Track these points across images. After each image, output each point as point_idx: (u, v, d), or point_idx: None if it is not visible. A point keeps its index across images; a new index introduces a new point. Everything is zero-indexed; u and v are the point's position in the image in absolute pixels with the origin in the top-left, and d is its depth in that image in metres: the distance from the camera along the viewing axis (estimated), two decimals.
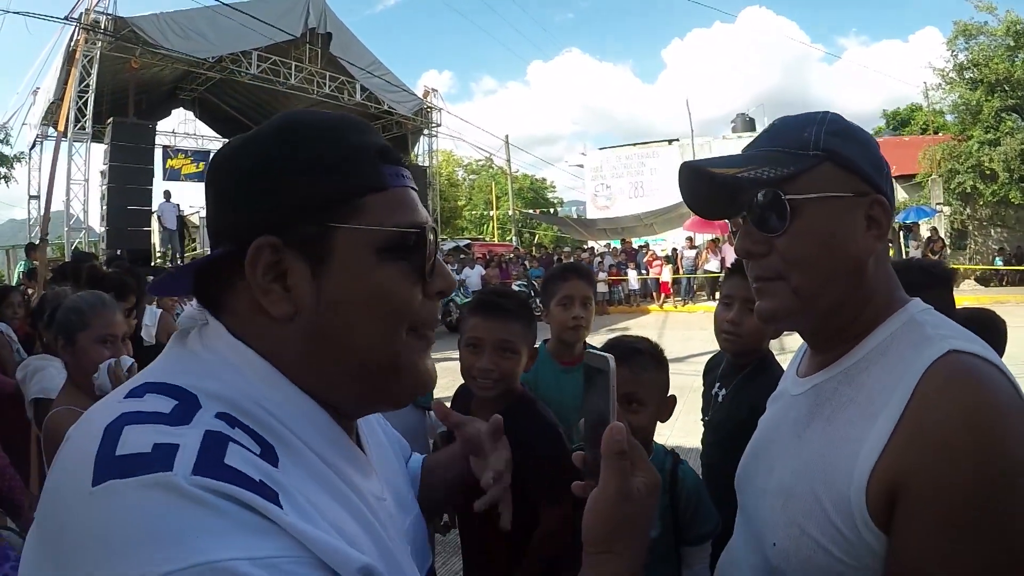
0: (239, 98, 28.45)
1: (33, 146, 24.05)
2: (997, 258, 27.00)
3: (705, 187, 1.34)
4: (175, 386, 0.83)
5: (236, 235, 0.91)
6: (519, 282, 21.67)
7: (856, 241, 1.22)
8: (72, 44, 19.88)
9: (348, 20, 26.43)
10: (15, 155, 23.74)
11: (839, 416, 1.19)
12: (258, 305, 0.90)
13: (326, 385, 0.94)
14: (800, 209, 1.20)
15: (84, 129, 19.87)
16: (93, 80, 19.52)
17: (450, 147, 49.99)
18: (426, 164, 30.81)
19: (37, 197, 23.39)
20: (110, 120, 20.64)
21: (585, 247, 32.63)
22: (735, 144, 34.58)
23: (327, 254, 0.91)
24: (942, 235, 26.06)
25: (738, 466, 1.49)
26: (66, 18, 19.50)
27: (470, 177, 60.82)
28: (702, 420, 2.86)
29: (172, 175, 26.37)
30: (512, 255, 28.46)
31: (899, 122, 47.92)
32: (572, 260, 20.67)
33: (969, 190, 26.43)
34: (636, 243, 29.24)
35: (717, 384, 2.78)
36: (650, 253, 26.00)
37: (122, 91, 22.36)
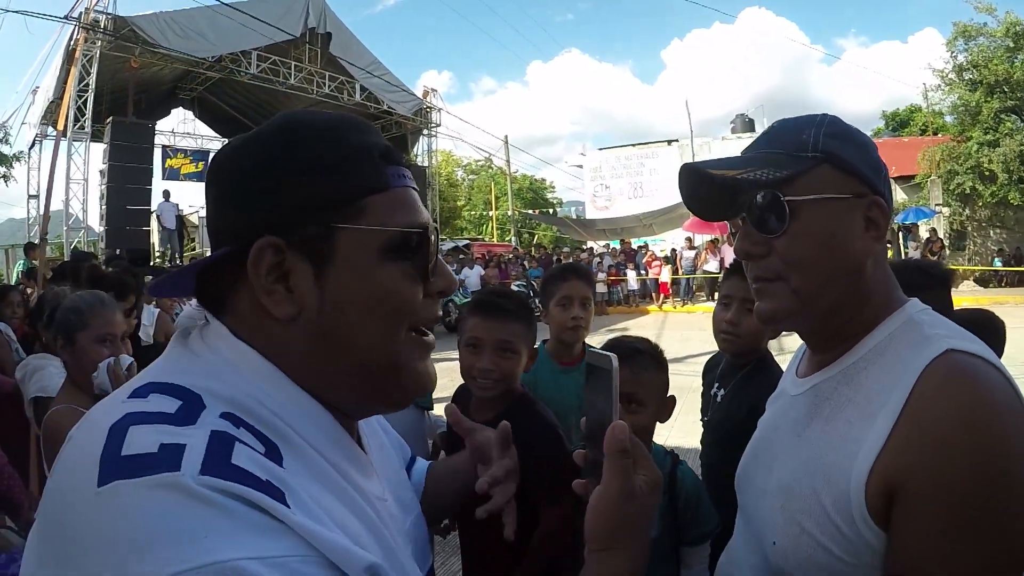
0: (239, 98, 28.43)
1: (32, 145, 24.03)
2: (996, 259, 27.03)
3: (705, 188, 1.35)
4: (179, 386, 0.83)
5: (238, 235, 0.91)
6: (518, 282, 21.66)
7: (854, 242, 1.22)
8: (72, 43, 19.85)
9: (348, 20, 26.48)
10: (14, 154, 23.72)
11: (838, 416, 1.20)
12: (260, 305, 0.90)
13: (327, 385, 0.94)
14: (799, 210, 1.21)
15: (83, 128, 19.86)
16: (92, 79, 19.50)
17: (449, 147, 50.12)
18: (425, 164, 30.78)
19: (36, 196, 23.37)
20: (109, 119, 20.63)
21: (584, 247, 32.63)
22: (735, 145, 34.56)
23: (330, 254, 0.91)
24: (941, 236, 26.10)
25: (738, 466, 1.49)
26: (66, 17, 19.50)
27: (469, 177, 60.79)
28: (701, 420, 2.86)
29: (171, 175, 26.34)
30: (511, 255, 28.44)
31: (898, 123, 47.95)
32: (571, 260, 20.69)
33: (968, 191, 26.45)
34: (635, 243, 29.24)
35: (716, 384, 2.78)
36: (649, 254, 26.00)
37: (121, 90, 22.36)
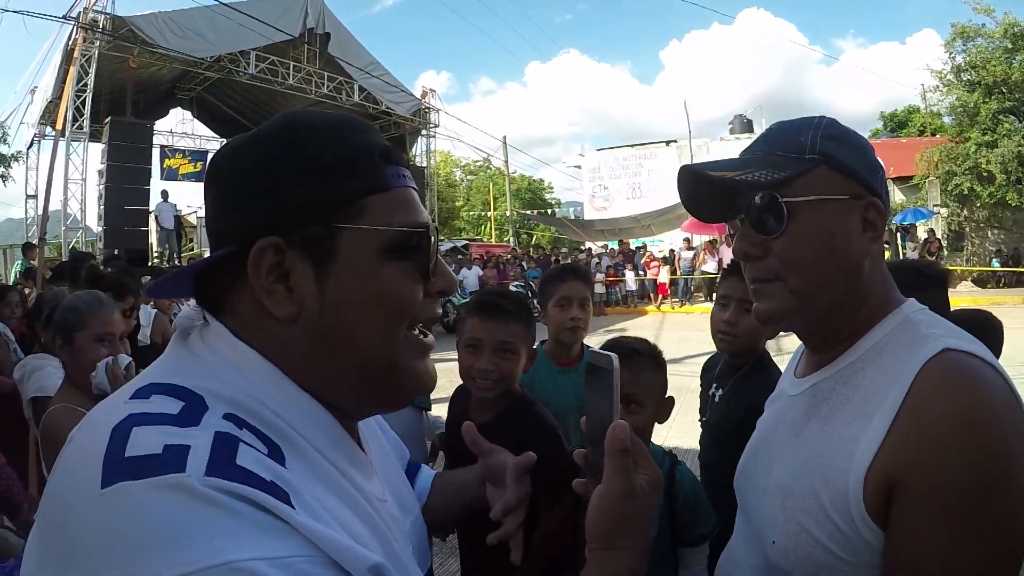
0: (237, 98, 28.43)
1: (31, 145, 24.00)
2: (994, 260, 27.06)
3: (704, 190, 1.35)
4: (181, 387, 0.83)
5: (237, 236, 0.91)
6: (516, 283, 21.66)
7: (852, 243, 1.23)
8: (70, 43, 19.84)
9: (346, 20, 26.50)
10: (12, 154, 23.70)
11: (836, 416, 1.21)
12: (260, 306, 0.90)
13: (327, 385, 0.94)
14: (797, 212, 1.22)
15: (82, 128, 19.86)
16: (91, 79, 19.50)
17: (448, 148, 50.13)
18: (424, 165, 30.78)
19: (34, 196, 23.34)
20: (108, 119, 20.64)
21: (582, 248, 32.64)
22: (733, 145, 34.56)
23: (331, 255, 0.91)
24: (939, 237, 26.10)
25: (737, 466, 1.50)
26: (64, 17, 19.50)
27: (468, 178, 60.83)
28: (700, 421, 2.87)
29: (169, 175, 26.30)
30: (510, 256, 28.43)
31: (897, 124, 47.95)
32: (569, 261, 20.69)
33: (966, 192, 26.48)
34: (633, 244, 29.23)
35: (714, 384, 2.79)
36: (647, 254, 25.99)
37: (120, 90, 22.37)
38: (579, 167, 43.11)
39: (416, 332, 0.99)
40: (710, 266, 23.15)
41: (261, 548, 0.67)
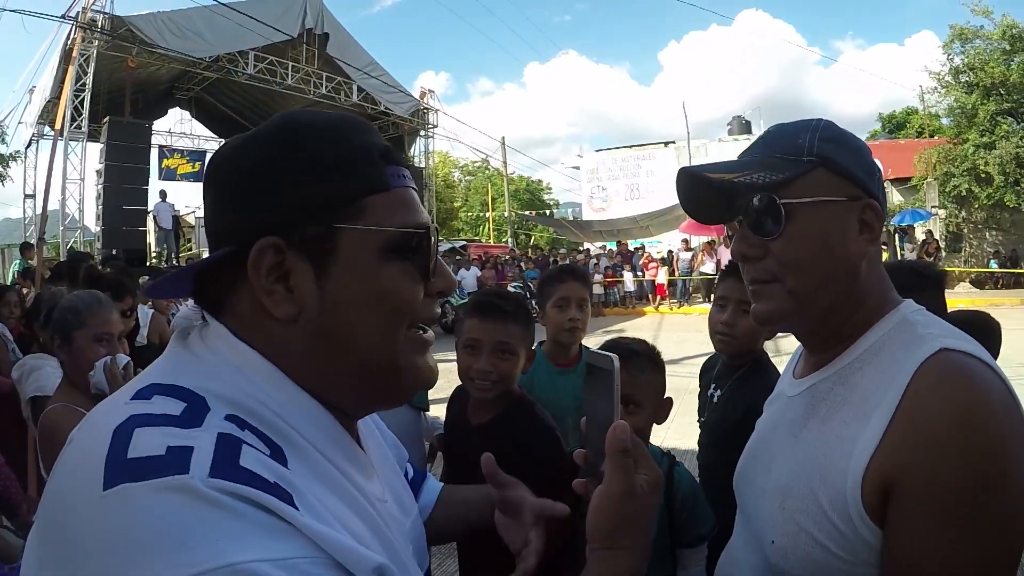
0: (236, 98, 28.41)
1: (29, 145, 23.99)
2: (992, 261, 27.09)
3: (702, 192, 1.36)
4: (182, 388, 0.83)
5: (237, 236, 0.91)
6: (515, 284, 21.67)
7: (849, 244, 1.24)
8: (69, 43, 19.82)
9: (345, 21, 26.53)
10: (11, 154, 23.70)
11: (834, 416, 1.21)
12: (260, 306, 0.90)
13: (327, 385, 0.94)
14: (794, 213, 1.22)
15: (80, 128, 19.84)
16: (90, 79, 19.48)
17: (446, 148, 50.07)
18: (422, 165, 30.77)
19: (33, 196, 23.32)
20: (106, 119, 20.63)
21: (581, 249, 32.63)
22: (731, 146, 34.59)
23: (331, 255, 0.91)
24: (937, 238, 26.13)
25: (736, 467, 1.50)
26: (63, 17, 19.48)
27: (466, 178, 60.86)
28: (698, 421, 2.87)
29: (168, 175, 26.30)
30: (508, 257, 28.47)
31: (895, 125, 47.98)
32: (568, 262, 20.70)
33: (964, 193, 26.49)
34: (632, 245, 29.22)
35: (713, 385, 2.79)
36: (646, 255, 26.00)
37: (118, 90, 22.35)
38: (577, 168, 43.10)
39: (416, 330, 0.99)
40: (708, 267, 23.15)
41: (265, 550, 0.67)
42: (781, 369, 1.67)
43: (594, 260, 26.64)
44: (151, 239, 23.31)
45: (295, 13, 23.48)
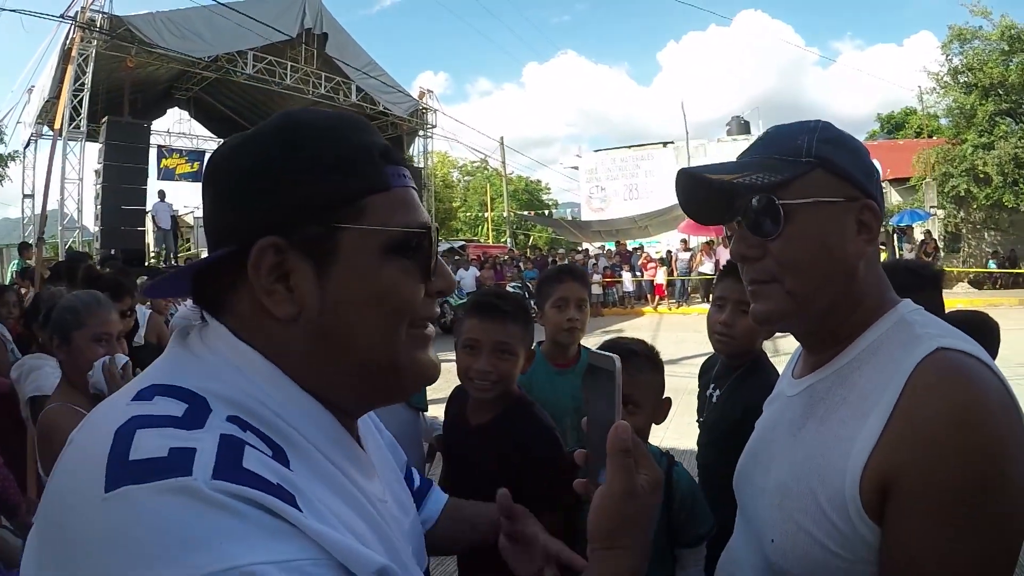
0: (234, 98, 28.39)
1: (27, 145, 23.98)
2: (990, 261, 27.08)
3: (702, 193, 1.36)
4: (183, 388, 0.82)
5: (236, 235, 0.90)
6: (513, 284, 21.68)
7: (847, 245, 1.24)
8: (68, 42, 19.81)
9: (344, 20, 26.54)
10: (9, 153, 23.69)
11: (832, 416, 1.22)
12: (260, 306, 0.90)
13: (327, 384, 0.94)
14: (793, 214, 1.23)
15: (79, 128, 19.83)
16: (88, 79, 19.49)
17: (445, 148, 50.02)
18: (421, 165, 30.77)
19: (31, 196, 23.33)
20: (105, 119, 20.63)
21: (579, 249, 32.61)
22: (730, 147, 34.61)
23: (332, 254, 0.90)
24: (936, 238, 26.15)
25: (736, 467, 1.51)
26: (62, 16, 19.46)
27: (465, 179, 60.88)
28: (697, 421, 2.87)
29: (166, 175, 26.31)
30: (507, 257, 28.48)
31: (893, 125, 48.03)
32: (567, 262, 20.69)
33: (963, 193, 26.47)
34: (630, 245, 29.19)
35: (712, 385, 2.79)
36: (644, 255, 26.01)
37: (117, 90, 22.33)
38: (576, 168, 43.11)
39: (416, 328, 0.99)
40: (707, 267, 23.19)
41: (268, 551, 0.67)
42: (780, 369, 1.67)
43: (593, 260, 26.64)
44: (150, 239, 23.30)
45: (294, 13, 23.48)
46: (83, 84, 19.48)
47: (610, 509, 0.99)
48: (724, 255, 20.57)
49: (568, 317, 3.03)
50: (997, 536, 1.01)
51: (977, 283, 26.39)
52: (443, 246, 27.59)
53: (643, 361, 2.18)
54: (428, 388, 1.18)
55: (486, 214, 50.61)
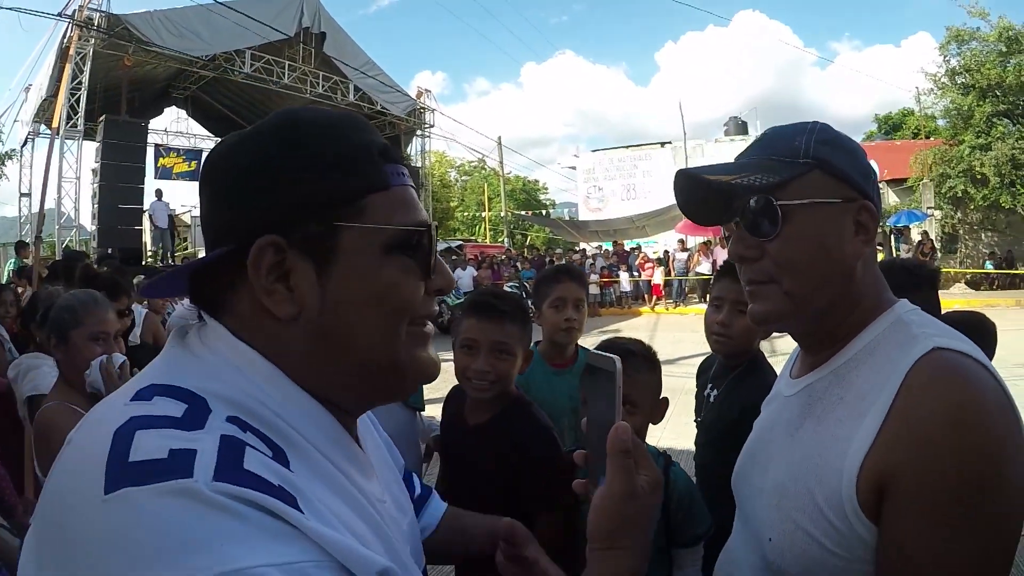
0: (232, 97, 28.35)
1: (25, 143, 23.93)
2: (987, 262, 27.09)
3: (700, 193, 1.37)
4: (183, 389, 0.82)
5: (234, 234, 0.90)
6: (511, 283, 21.68)
7: (845, 245, 1.25)
8: (65, 41, 19.78)
9: (342, 20, 26.55)
10: (6, 152, 23.63)
11: (830, 415, 1.22)
12: (260, 305, 0.89)
13: (327, 384, 0.93)
14: (791, 215, 1.23)
15: (76, 127, 19.79)
16: (86, 77, 19.47)
17: (443, 148, 49.98)
18: (419, 165, 30.75)
19: (29, 195, 23.29)
20: (102, 118, 20.59)
21: (577, 249, 32.59)
22: (728, 147, 34.64)
23: (332, 253, 0.90)
24: (932, 239, 26.17)
25: (734, 467, 1.51)
26: (59, 15, 19.41)
27: (462, 178, 60.79)
28: (695, 421, 2.87)
29: (164, 174, 26.23)
30: (504, 256, 28.44)
31: (891, 126, 48.09)
32: (564, 262, 20.69)
33: (960, 194, 26.48)
34: (628, 245, 29.17)
35: (709, 385, 2.79)
36: (642, 255, 26.05)
37: (115, 89, 22.29)
38: (574, 168, 43.04)
39: (416, 326, 0.99)
40: (704, 267, 23.22)
41: (270, 554, 0.66)
42: (778, 369, 1.67)
43: (590, 260, 26.63)
44: (147, 238, 23.33)
45: (292, 12, 23.48)
46: (80, 83, 19.45)
47: (610, 510, 0.99)
48: (721, 255, 20.58)
49: (566, 317, 3.03)
50: (993, 536, 1.01)
51: (974, 284, 26.40)
52: (440, 246, 27.40)
53: (640, 361, 2.18)
54: (425, 387, 1.18)
55: (483, 214, 50.54)
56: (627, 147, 40.91)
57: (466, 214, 56.12)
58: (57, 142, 18.75)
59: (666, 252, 26.58)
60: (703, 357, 3.07)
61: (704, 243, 24.93)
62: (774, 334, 1.61)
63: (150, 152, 24.52)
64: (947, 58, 27.34)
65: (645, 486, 1.00)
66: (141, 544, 0.64)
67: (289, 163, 0.91)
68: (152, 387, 0.83)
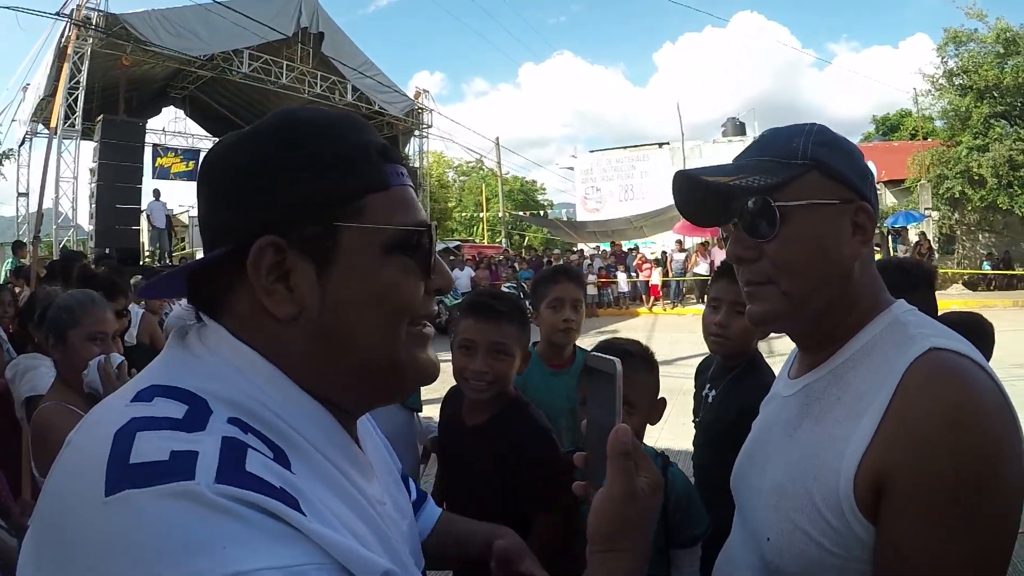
0: (230, 97, 28.34)
1: (22, 143, 23.90)
2: (985, 263, 27.12)
3: (698, 195, 1.37)
4: (184, 390, 0.82)
5: (231, 234, 0.90)
6: (508, 284, 21.66)
7: (842, 246, 1.25)
8: (63, 40, 19.77)
9: (340, 20, 26.59)
10: (4, 152, 23.61)
11: (827, 415, 1.22)
12: (260, 306, 0.89)
13: (328, 384, 0.93)
14: (789, 216, 1.23)
15: (73, 126, 19.77)
16: (84, 77, 19.46)
17: (441, 148, 50.03)
18: (416, 165, 30.73)
19: (26, 195, 23.27)
20: (100, 117, 20.55)
21: (574, 249, 32.60)
22: (725, 148, 34.69)
23: (332, 254, 0.90)
24: (930, 240, 26.19)
25: (733, 467, 1.51)
26: (57, 14, 19.39)
27: (460, 179, 60.83)
28: (693, 422, 2.87)
29: (161, 174, 26.19)
30: (502, 257, 28.45)
31: (889, 127, 48.06)
32: (562, 262, 20.68)
33: (957, 195, 26.53)
34: (626, 246, 29.20)
35: (707, 386, 2.79)
36: (639, 256, 26.04)
37: (112, 88, 22.25)
38: (572, 168, 43.09)
39: (416, 326, 0.99)
40: (702, 268, 23.20)
41: (273, 556, 0.66)
42: (776, 370, 1.67)
43: (588, 261, 26.61)
44: (144, 238, 23.28)
45: (290, 12, 23.48)
46: (78, 82, 19.44)
47: (610, 512, 0.99)
48: (719, 256, 20.60)
49: (564, 318, 3.03)
50: (990, 537, 1.02)
51: (971, 285, 26.43)
52: (438, 246, 27.58)
53: (638, 362, 2.18)
54: (423, 388, 1.18)
55: (481, 214, 50.57)
56: (625, 148, 40.95)
57: (464, 214, 56.12)
58: (55, 142, 18.71)
59: (664, 253, 26.57)
60: (701, 358, 3.07)
61: (702, 244, 24.92)
62: (772, 335, 1.62)
63: (148, 152, 24.47)
64: (945, 59, 27.44)
65: (645, 488, 1.00)
66: (143, 546, 0.64)
67: (287, 163, 0.90)
68: (152, 388, 0.82)
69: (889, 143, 37.89)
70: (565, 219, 45.86)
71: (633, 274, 25.10)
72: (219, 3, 20.40)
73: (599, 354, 1.08)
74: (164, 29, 20.48)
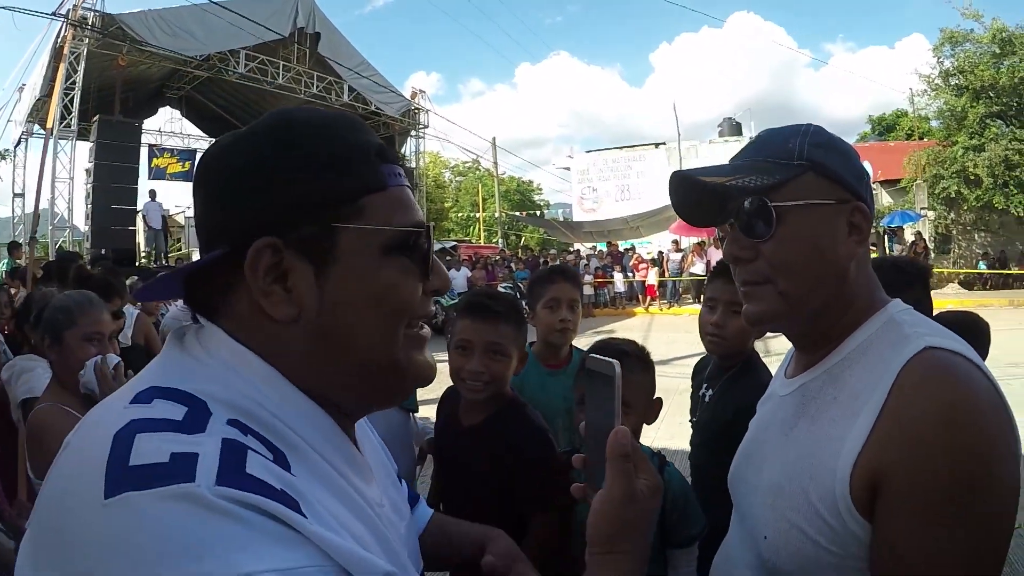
0: (226, 97, 28.32)
1: (18, 143, 23.85)
2: (980, 262, 27.19)
3: (695, 195, 1.37)
4: (183, 391, 0.81)
5: (228, 235, 0.89)
6: (505, 284, 21.65)
7: (838, 246, 1.26)
8: (59, 40, 19.74)
9: (337, 20, 26.49)
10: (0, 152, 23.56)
11: (823, 415, 1.23)
12: (258, 307, 0.89)
13: (327, 385, 0.93)
14: (785, 216, 1.24)
15: (69, 126, 19.74)
16: (80, 77, 19.42)
17: (437, 149, 50.00)
18: (413, 165, 30.68)
19: (22, 195, 23.22)
20: (96, 118, 20.52)
21: (571, 249, 32.59)
22: (722, 148, 34.72)
23: (330, 254, 0.90)
24: (926, 239, 26.22)
25: (730, 466, 1.52)
26: (54, 14, 19.39)
27: (457, 179, 60.81)
28: (689, 422, 2.87)
29: (157, 174, 26.15)
30: (498, 257, 28.44)
31: (885, 127, 48.20)
32: (558, 263, 20.66)
33: (953, 195, 26.56)
34: (622, 246, 29.21)
35: (704, 386, 2.79)
36: (636, 256, 26.02)
37: (109, 88, 22.23)
38: (568, 169, 43.13)
39: (413, 328, 0.99)
40: (698, 268, 23.19)
41: (274, 559, 0.66)
42: (772, 369, 1.68)
43: (584, 261, 26.66)
44: (140, 239, 23.22)
45: (286, 12, 23.46)
46: (74, 82, 19.41)
47: (610, 514, 0.99)
48: (715, 256, 20.58)
49: (560, 318, 3.03)
50: (985, 535, 1.02)
51: (967, 284, 26.50)
52: (435, 246, 27.62)
53: (634, 361, 2.18)
54: (419, 389, 1.18)
55: (478, 214, 50.60)
56: (621, 148, 40.97)
57: (460, 215, 56.12)
58: (51, 142, 18.66)
59: (660, 253, 26.61)
60: (697, 358, 3.07)
61: (698, 244, 24.91)
62: (768, 334, 1.62)
63: (144, 152, 24.50)
64: (941, 60, 27.50)
65: (644, 490, 1.00)
66: (143, 549, 0.64)
67: (283, 163, 0.90)
68: (151, 390, 0.82)
69: (885, 143, 37.97)
70: (561, 219, 45.85)
71: (629, 274, 25.09)
72: (215, 3, 20.39)
73: (598, 356, 1.08)
74: (160, 29, 20.46)
